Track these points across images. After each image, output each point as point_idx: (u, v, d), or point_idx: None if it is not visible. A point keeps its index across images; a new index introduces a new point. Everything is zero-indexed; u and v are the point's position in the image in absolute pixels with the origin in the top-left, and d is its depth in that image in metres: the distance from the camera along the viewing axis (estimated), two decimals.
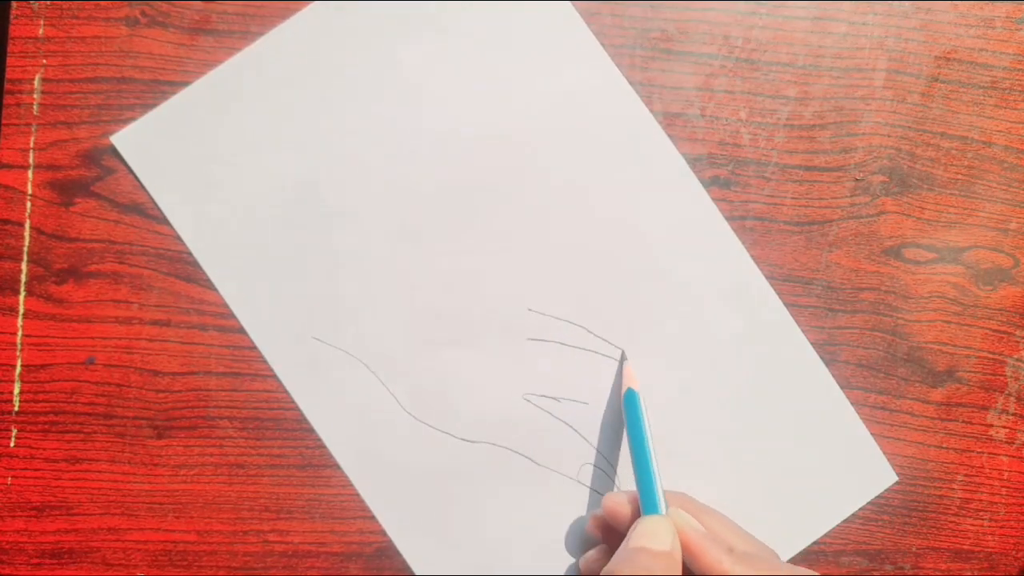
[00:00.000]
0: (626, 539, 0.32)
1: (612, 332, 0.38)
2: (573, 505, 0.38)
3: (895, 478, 0.39)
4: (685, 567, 0.32)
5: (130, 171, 0.37)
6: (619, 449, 0.38)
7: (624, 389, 0.36)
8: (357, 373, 0.38)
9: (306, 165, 0.38)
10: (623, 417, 0.36)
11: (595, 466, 0.38)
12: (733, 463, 0.39)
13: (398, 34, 0.38)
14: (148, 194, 0.37)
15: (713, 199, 0.39)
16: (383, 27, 0.38)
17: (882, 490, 0.39)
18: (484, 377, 0.38)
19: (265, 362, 0.38)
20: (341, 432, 0.38)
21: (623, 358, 0.38)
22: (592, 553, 0.36)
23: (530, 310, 0.38)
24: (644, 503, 0.33)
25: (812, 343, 0.39)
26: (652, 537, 0.31)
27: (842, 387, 0.39)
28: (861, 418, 0.39)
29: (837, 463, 0.39)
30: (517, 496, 0.38)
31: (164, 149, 0.37)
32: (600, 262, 0.38)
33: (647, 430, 0.35)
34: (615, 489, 0.38)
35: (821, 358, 0.39)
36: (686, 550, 0.32)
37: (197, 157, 0.37)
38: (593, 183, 0.38)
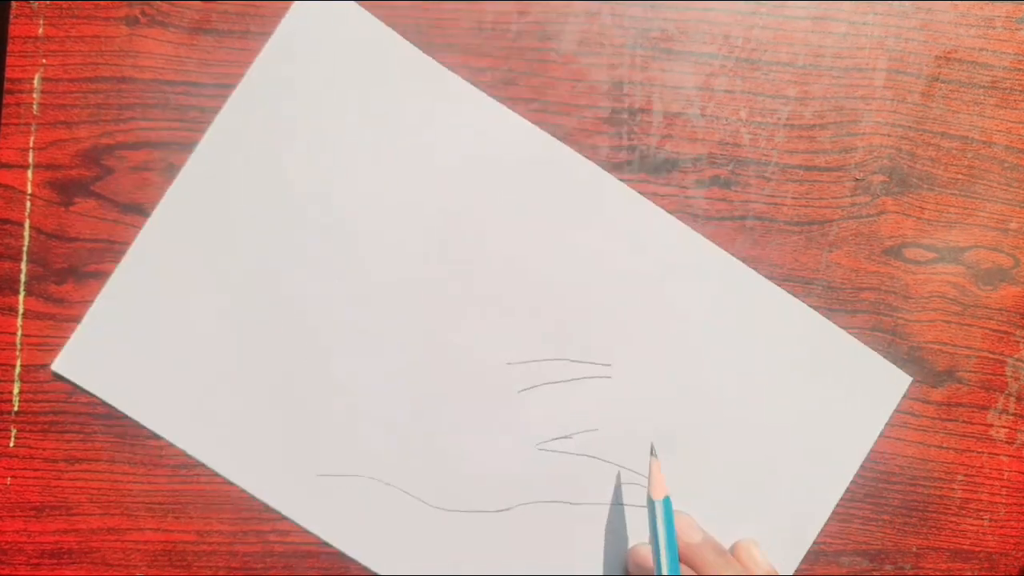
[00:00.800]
0: None
1: (591, 353, 0.38)
2: (617, 525, 0.38)
3: (909, 379, 0.39)
4: None
5: (83, 390, 0.37)
6: (642, 457, 0.38)
7: (659, 496, 0.36)
8: (374, 490, 0.38)
9: (249, 306, 0.37)
10: (656, 520, 0.36)
11: (628, 483, 0.38)
12: (752, 433, 0.39)
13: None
14: (109, 403, 0.37)
15: (713, 199, 0.39)
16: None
17: (902, 395, 0.39)
18: (493, 445, 0.38)
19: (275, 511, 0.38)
20: (379, 551, 0.38)
21: (652, 452, 0.38)
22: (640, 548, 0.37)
23: (509, 364, 0.38)
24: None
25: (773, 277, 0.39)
26: None
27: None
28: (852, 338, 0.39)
29: (850, 389, 0.39)
30: (567, 540, 0.38)
31: (109, 356, 0.37)
32: (558, 295, 0.38)
33: (670, 540, 0.35)
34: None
35: (791, 293, 0.39)
36: None
37: (145, 348, 0.37)
38: (527, 229, 0.38)
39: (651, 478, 0.36)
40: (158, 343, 0.37)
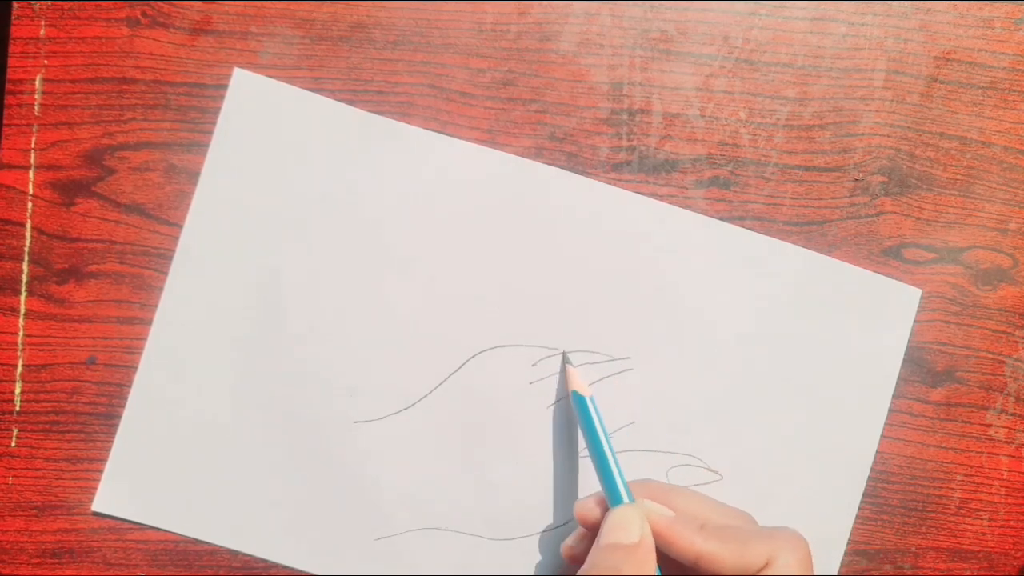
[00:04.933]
0: (598, 536, 0.32)
1: (607, 349, 0.38)
2: None
3: (919, 291, 0.39)
4: (660, 553, 0.32)
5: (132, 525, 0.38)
6: (689, 438, 0.38)
7: (569, 392, 0.36)
8: (434, 540, 0.38)
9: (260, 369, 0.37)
10: (577, 419, 0.36)
11: (680, 465, 0.38)
12: (779, 396, 0.39)
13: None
14: (160, 528, 0.38)
15: (712, 199, 0.39)
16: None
17: (915, 310, 0.39)
18: (538, 465, 0.38)
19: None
20: None
21: (564, 360, 0.38)
22: (569, 540, 0.36)
23: (531, 383, 0.38)
24: (609, 497, 0.33)
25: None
26: (620, 530, 0.32)
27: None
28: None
29: (862, 311, 0.39)
30: None
31: (145, 481, 0.37)
32: (564, 307, 0.38)
33: (600, 429, 0.35)
34: (708, 469, 0.38)
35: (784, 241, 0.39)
36: (657, 537, 0.32)
37: (178, 463, 0.37)
38: (523, 253, 0.38)
39: (570, 379, 0.36)
40: (189, 456, 0.37)
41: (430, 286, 0.38)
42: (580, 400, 0.35)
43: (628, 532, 0.31)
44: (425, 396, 0.38)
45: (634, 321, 0.38)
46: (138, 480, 0.37)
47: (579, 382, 0.36)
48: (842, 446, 0.39)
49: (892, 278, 0.39)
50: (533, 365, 0.38)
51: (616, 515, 0.32)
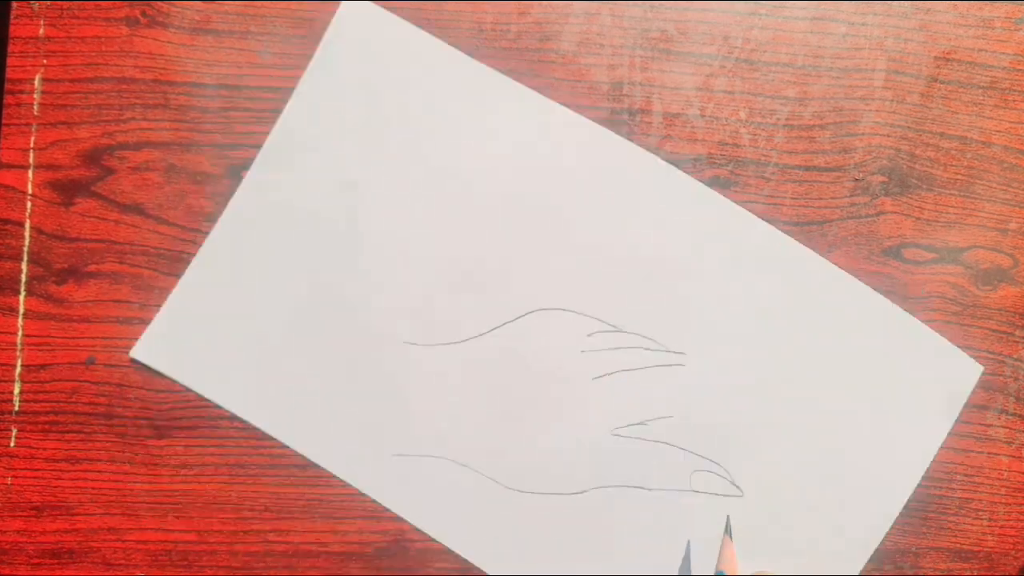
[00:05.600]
0: None
1: (665, 342, 0.38)
2: (688, 512, 0.39)
3: (980, 368, 0.39)
4: None
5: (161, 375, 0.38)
6: (722, 446, 0.39)
7: (718, 568, 0.37)
8: (448, 471, 0.38)
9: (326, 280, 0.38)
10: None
11: (705, 471, 0.38)
12: (822, 424, 0.39)
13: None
14: (189, 387, 0.38)
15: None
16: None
17: (974, 384, 0.39)
18: (568, 430, 0.38)
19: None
20: (452, 529, 0.38)
21: (727, 528, 0.38)
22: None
23: (583, 352, 0.38)
24: None
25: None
26: None
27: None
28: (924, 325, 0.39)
29: (921, 378, 0.39)
30: (638, 525, 0.38)
31: (186, 343, 0.38)
32: (630, 285, 0.38)
33: None
34: (730, 483, 0.39)
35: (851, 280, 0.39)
36: None
37: (223, 334, 0.38)
38: (600, 220, 0.39)
39: (721, 555, 0.37)
40: (236, 329, 0.38)
41: (503, 236, 0.38)
42: None
43: None
44: (476, 336, 0.38)
45: (696, 319, 0.38)
46: (181, 339, 0.37)
47: (733, 563, 0.36)
48: (868, 492, 0.39)
49: (948, 341, 0.39)
50: (588, 336, 0.38)
51: None
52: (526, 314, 0.38)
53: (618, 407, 0.38)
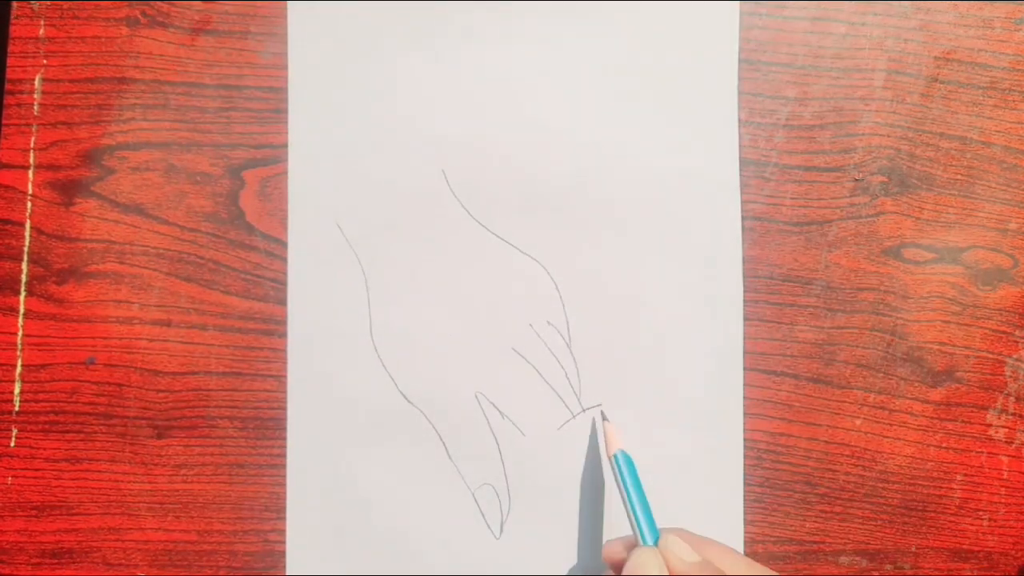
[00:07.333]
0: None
1: (590, 392, 0.39)
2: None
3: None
4: None
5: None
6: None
7: (612, 451, 0.36)
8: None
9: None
10: (615, 473, 0.36)
11: (490, 485, 0.38)
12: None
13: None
14: None
15: None
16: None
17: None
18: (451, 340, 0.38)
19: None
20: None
21: (603, 418, 0.38)
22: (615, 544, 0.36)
23: (530, 325, 0.38)
24: (638, 538, 0.34)
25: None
26: (641, 568, 0.32)
27: (841, 387, 0.39)
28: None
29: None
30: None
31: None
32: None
33: (634, 483, 0.35)
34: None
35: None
36: None
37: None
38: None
39: (606, 439, 0.37)
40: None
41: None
42: (627, 459, 0.36)
43: (649, 571, 0.32)
44: None
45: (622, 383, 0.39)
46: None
47: (617, 440, 0.36)
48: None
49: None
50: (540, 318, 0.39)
51: (638, 555, 0.33)
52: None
53: (501, 384, 0.38)
